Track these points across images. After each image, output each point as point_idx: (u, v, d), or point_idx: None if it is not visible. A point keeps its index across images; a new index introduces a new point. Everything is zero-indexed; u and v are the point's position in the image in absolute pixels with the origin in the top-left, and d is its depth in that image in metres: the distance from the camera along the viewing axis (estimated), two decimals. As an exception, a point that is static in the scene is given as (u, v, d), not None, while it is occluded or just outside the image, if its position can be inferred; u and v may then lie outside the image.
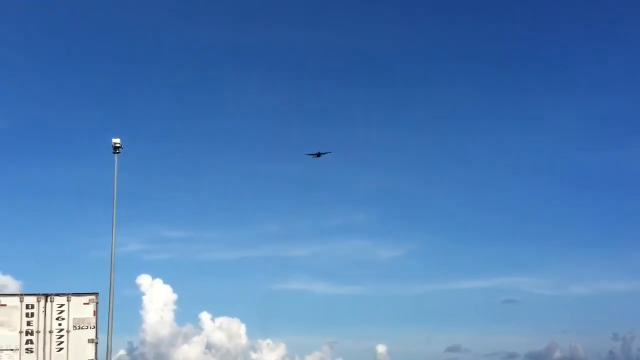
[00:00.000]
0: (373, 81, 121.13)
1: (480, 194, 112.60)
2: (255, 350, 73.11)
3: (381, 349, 75.33)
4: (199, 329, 72.97)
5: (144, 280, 69.01)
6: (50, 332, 27.57)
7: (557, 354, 78.10)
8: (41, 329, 27.52)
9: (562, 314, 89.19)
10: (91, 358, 27.76)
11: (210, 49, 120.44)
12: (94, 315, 28.27)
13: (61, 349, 27.55)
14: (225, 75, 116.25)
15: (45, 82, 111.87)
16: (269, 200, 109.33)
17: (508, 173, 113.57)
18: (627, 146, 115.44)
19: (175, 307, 70.63)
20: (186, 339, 71.95)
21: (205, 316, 73.15)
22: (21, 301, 27.69)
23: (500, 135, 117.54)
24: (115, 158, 46.07)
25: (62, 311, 27.88)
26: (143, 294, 68.84)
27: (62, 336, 27.67)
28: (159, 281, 69.81)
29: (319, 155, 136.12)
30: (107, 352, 31.96)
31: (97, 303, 28.49)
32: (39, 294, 28.01)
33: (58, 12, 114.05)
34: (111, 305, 33.80)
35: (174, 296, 70.18)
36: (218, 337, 71.74)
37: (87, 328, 27.96)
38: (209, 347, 71.71)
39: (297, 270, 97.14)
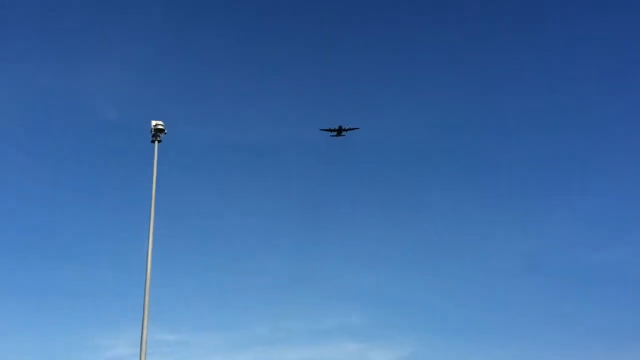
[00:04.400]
0: (367, 179, 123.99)
1: (478, 295, 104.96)
2: None
3: None
4: None
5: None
6: None
7: None
8: None
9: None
10: None
11: (205, 149, 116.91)
12: None
13: None
14: (220, 176, 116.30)
15: (39, 183, 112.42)
16: (261, 299, 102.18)
17: (505, 273, 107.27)
18: (619, 245, 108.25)
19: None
20: None
21: None
22: None
23: (495, 235, 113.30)
24: (155, 145, 50.12)
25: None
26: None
27: None
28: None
29: (340, 132, 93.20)
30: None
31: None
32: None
33: (61, 113, 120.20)
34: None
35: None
36: None
37: None
38: None
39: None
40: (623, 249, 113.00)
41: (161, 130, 50.40)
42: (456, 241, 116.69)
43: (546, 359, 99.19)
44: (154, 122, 50.37)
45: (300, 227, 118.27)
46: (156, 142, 50.29)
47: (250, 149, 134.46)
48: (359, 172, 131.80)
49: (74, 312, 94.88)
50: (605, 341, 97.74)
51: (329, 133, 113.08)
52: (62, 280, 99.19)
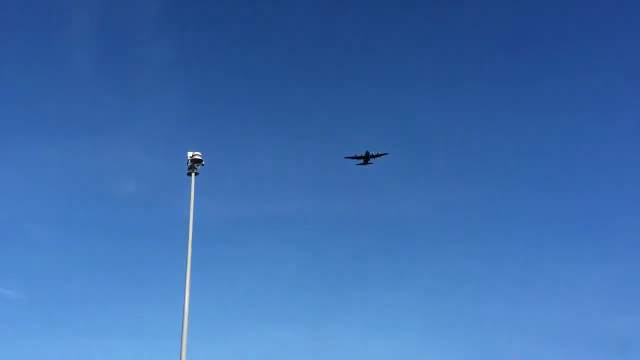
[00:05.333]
0: (385, 246, 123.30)
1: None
2: None
3: None
4: None
5: None
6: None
7: None
8: None
9: None
10: None
11: (222, 222, 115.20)
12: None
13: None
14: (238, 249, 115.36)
15: (60, 253, 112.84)
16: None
17: (524, 338, 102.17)
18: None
19: None
20: None
21: None
22: None
23: (514, 300, 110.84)
24: (192, 178, 47.99)
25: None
26: None
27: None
28: None
29: (367, 160, 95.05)
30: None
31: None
32: None
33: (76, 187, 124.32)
34: None
35: None
36: None
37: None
38: None
39: None
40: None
41: (198, 161, 48.17)
42: (474, 306, 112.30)
43: None
44: (190, 153, 48.27)
45: (318, 295, 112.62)
46: (193, 174, 47.99)
47: (268, 220, 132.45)
48: (378, 240, 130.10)
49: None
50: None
51: (355, 161, 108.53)
52: (89, 354, 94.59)
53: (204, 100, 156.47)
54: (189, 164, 48.43)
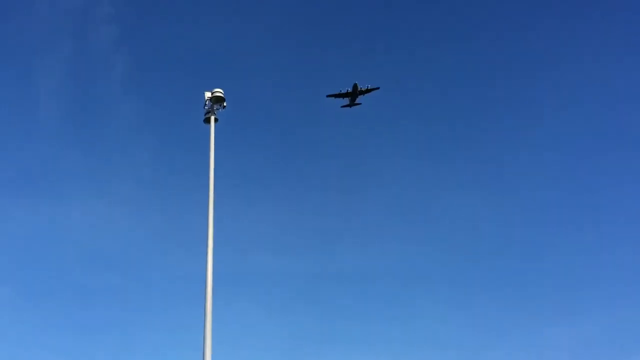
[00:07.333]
0: (359, 301, 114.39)
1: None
2: None
3: None
4: None
5: None
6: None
7: None
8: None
9: None
10: None
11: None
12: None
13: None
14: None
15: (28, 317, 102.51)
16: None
17: None
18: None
19: None
20: None
21: None
22: None
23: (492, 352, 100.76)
24: (212, 122, 39.79)
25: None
26: None
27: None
28: None
29: (354, 99, 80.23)
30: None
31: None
32: None
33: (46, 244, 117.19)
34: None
35: None
36: None
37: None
38: None
39: None
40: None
41: (220, 100, 39.34)
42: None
43: None
44: (208, 93, 39.60)
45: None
46: (212, 118, 39.42)
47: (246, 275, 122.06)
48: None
49: None
50: None
51: (341, 101, 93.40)
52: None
53: (173, 156, 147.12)
54: (206, 106, 39.93)
